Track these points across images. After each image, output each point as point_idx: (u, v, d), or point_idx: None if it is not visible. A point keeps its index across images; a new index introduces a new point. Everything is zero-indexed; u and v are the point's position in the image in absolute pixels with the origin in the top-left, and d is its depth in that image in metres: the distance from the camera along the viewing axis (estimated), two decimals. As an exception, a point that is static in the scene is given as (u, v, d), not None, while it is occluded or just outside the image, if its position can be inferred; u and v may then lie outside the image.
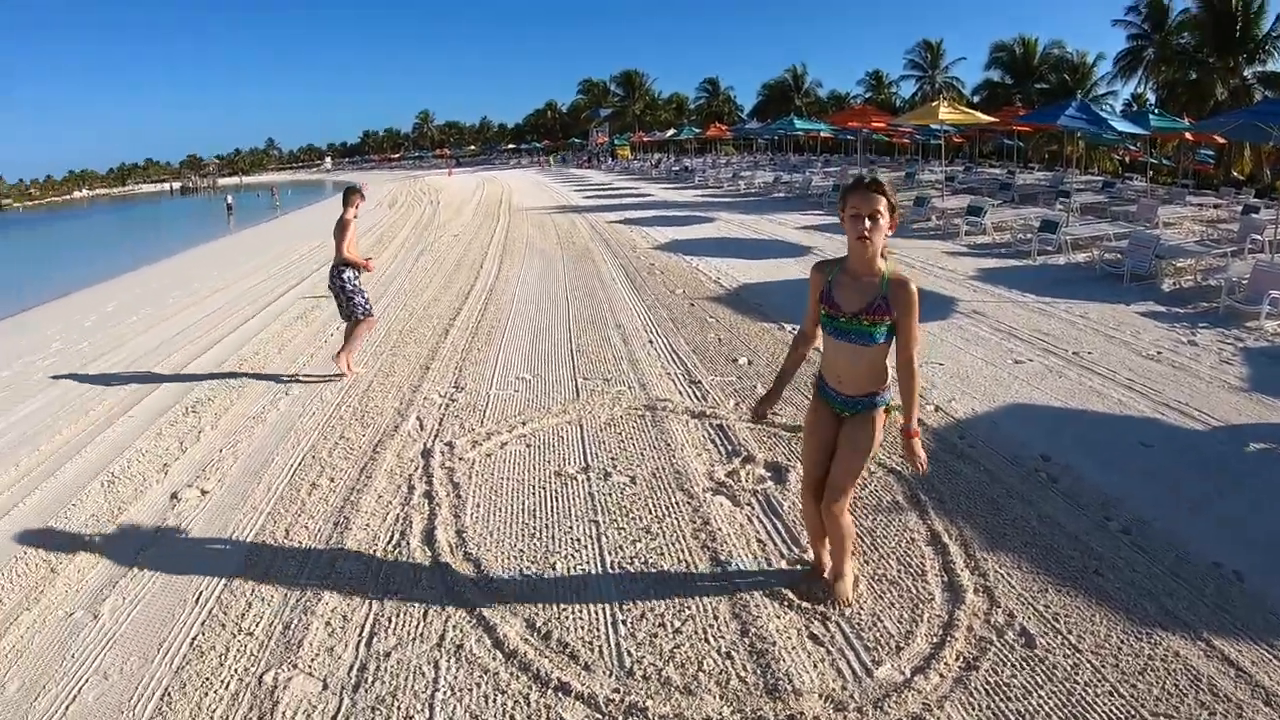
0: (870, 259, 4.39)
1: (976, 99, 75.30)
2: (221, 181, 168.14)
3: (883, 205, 4.26)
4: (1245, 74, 50.35)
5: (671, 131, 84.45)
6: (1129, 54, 59.68)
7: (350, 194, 10.46)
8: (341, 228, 10.33)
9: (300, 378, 10.62)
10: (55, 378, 11.59)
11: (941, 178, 32.60)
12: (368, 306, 10.55)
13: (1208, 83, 49.56)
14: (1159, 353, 10.52)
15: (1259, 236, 17.96)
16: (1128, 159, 50.34)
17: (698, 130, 76.91)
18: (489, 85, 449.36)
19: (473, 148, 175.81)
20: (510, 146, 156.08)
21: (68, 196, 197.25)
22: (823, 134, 53.82)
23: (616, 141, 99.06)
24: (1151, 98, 57.94)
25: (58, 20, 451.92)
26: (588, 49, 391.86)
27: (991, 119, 31.54)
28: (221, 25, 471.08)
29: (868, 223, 4.27)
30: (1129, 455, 7.38)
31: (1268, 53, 50.39)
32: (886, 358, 4.54)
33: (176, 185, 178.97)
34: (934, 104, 31.75)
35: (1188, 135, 33.76)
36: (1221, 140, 36.28)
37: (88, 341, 14.19)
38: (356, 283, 10.47)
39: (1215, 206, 27.94)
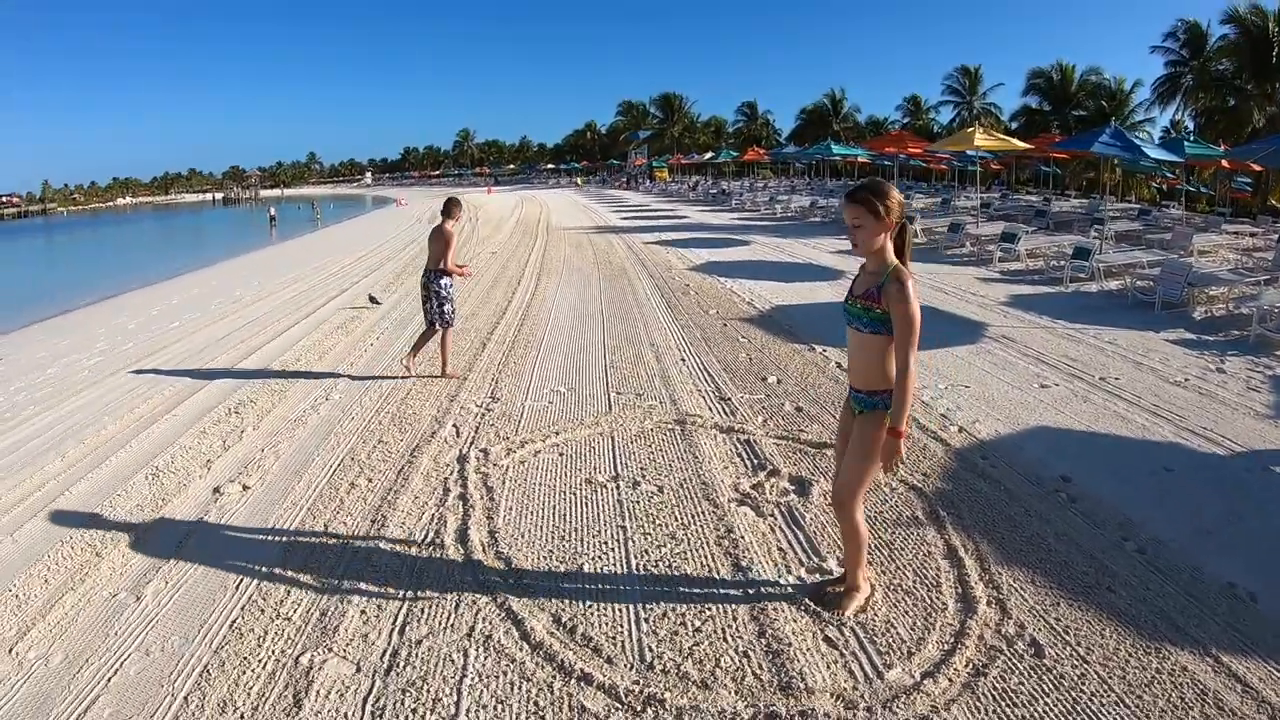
0: (868, 256, 4.72)
1: (1014, 125, 75.09)
2: (263, 193, 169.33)
3: (862, 212, 4.59)
4: (1282, 100, 50.03)
5: (709, 154, 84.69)
6: (1167, 80, 59.31)
7: (451, 205, 10.91)
8: (442, 237, 10.73)
9: (401, 376, 11.09)
10: (101, 377, 11.92)
11: (977, 204, 32.62)
12: (452, 316, 10.97)
13: (1245, 109, 49.22)
14: (1186, 379, 10.56)
15: (1293, 264, 17.93)
16: (1165, 186, 50.04)
17: (735, 154, 77.04)
18: (529, 105, 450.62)
19: (511, 167, 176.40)
20: (549, 166, 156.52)
21: (111, 203, 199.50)
22: (860, 159, 53.90)
23: (654, 164, 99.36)
24: (1190, 124, 57.66)
25: (100, 26, 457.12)
26: (628, 71, 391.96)
27: (1026, 146, 31.62)
28: (266, 38, 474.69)
29: (853, 228, 4.65)
30: (1150, 478, 7.46)
31: (1304, 78, 50.13)
32: (887, 357, 4.69)
33: (219, 195, 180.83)
34: (969, 130, 31.86)
35: (1224, 163, 33.63)
36: (1258, 168, 36.12)
37: (132, 343, 14.56)
38: (450, 290, 10.85)
39: (1252, 235, 27.77)
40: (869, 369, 4.78)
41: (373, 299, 17.46)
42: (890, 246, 4.67)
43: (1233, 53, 51.66)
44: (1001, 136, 32.90)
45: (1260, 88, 49.55)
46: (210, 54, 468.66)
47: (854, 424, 4.99)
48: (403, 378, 10.91)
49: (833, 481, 5.36)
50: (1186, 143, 30.06)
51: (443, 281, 10.77)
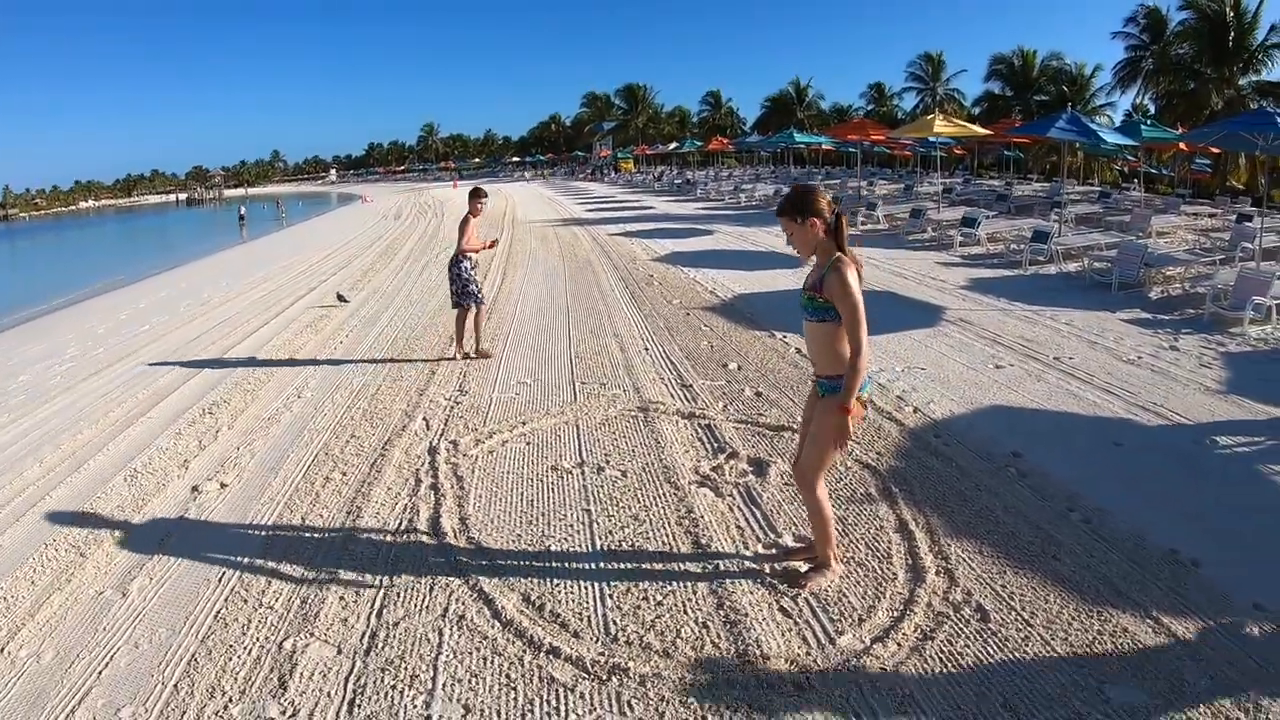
0: (808, 256, 5.10)
1: (977, 111, 75.49)
2: (227, 193, 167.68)
3: (787, 222, 5.03)
4: (1241, 84, 50.64)
5: (674, 145, 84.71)
6: (1128, 65, 59.85)
7: (475, 195, 11.68)
8: (463, 224, 11.50)
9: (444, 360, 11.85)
10: (74, 382, 12.06)
11: (939, 190, 32.93)
12: (480, 295, 11.74)
13: (1203, 93, 49.81)
14: (1139, 357, 10.88)
15: (1249, 245, 18.16)
16: (1127, 169, 50.56)
17: (700, 143, 77.17)
18: (494, 98, 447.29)
19: (477, 160, 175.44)
20: (515, 159, 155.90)
21: (73, 207, 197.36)
22: (824, 147, 54.19)
23: (619, 155, 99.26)
24: (1151, 108, 58.20)
25: (60, 29, 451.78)
26: (592, 62, 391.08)
27: (985, 131, 31.96)
28: (226, 36, 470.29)
29: (787, 238, 5.11)
30: (1099, 453, 7.76)
31: (1262, 62, 50.76)
32: (838, 342, 4.93)
33: (183, 196, 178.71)
34: (929, 117, 32.15)
35: (1181, 145, 34.07)
36: (1216, 150, 36.61)
37: (103, 348, 14.63)
38: (472, 273, 11.61)
39: (1211, 215, 28.21)
40: (823, 355, 5.04)
41: (340, 297, 17.59)
42: (827, 241, 4.96)
43: (1192, 37, 52.25)
44: (961, 122, 33.14)
45: (1218, 71, 50.18)
46: (171, 53, 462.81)
47: (816, 407, 5.24)
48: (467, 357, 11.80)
49: (793, 463, 5.64)
50: (1143, 126, 30.48)
51: (464, 265, 11.59)
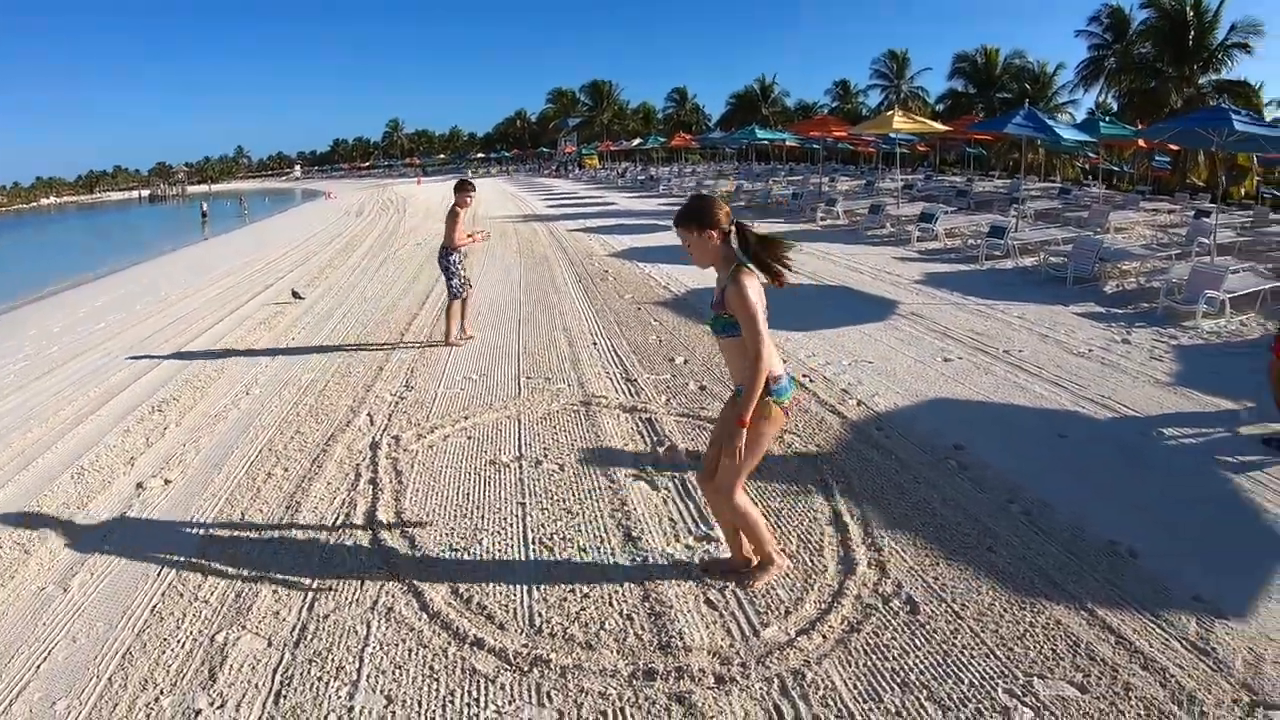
0: (704, 266, 5.08)
1: (940, 108, 76.02)
2: (191, 189, 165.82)
3: (684, 233, 5.01)
4: (1201, 82, 51.18)
5: (638, 141, 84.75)
6: (1090, 63, 60.44)
7: (461, 188, 12.21)
8: (451, 216, 11.91)
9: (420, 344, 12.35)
10: (26, 381, 11.98)
11: (899, 186, 33.12)
12: (460, 287, 12.06)
13: (1163, 91, 50.33)
14: (1090, 350, 11.02)
15: (1205, 240, 18.39)
16: (1088, 166, 51.02)
17: (664, 139, 77.19)
18: (459, 95, 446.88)
19: (442, 157, 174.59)
20: (480, 156, 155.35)
21: (35, 204, 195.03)
22: (788, 143, 54.32)
23: (584, 150, 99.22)
24: (1115, 106, 58.69)
25: (18, 28, 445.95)
26: (559, 59, 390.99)
27: (944, 128, 32.18)
28: (190, 31, 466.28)
29: (686, 249, 5.09)
30: (1043, 445, 7.86)
31: (1221, 61, 51.34)
32: (746, 355, 4.87)
33: (145, 193, 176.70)
34: (889, 113, 32.32)
35: (1140, 142, 34.39)
36: (1175, 147, 37.01)
37: (57, 346, 14.51)
38: (459, 266, 11.93)
39: (1169, 212, 28.55)
40: (737, 368, 5.03)
41: (295, 294, 17.52)
42: (725, 250, 4.95)
43: (1153, 36, 52.77)
44: (920, 119, 33.43)
45: (1179, 70, 50.74)
46: (135, 50, 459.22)
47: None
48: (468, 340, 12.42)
49: (703, 475, 5.52)
50: (1102, 123, 30.77)
51: (452, 257, 11.93)
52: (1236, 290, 13.13)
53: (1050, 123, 24.88)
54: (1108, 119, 36.73)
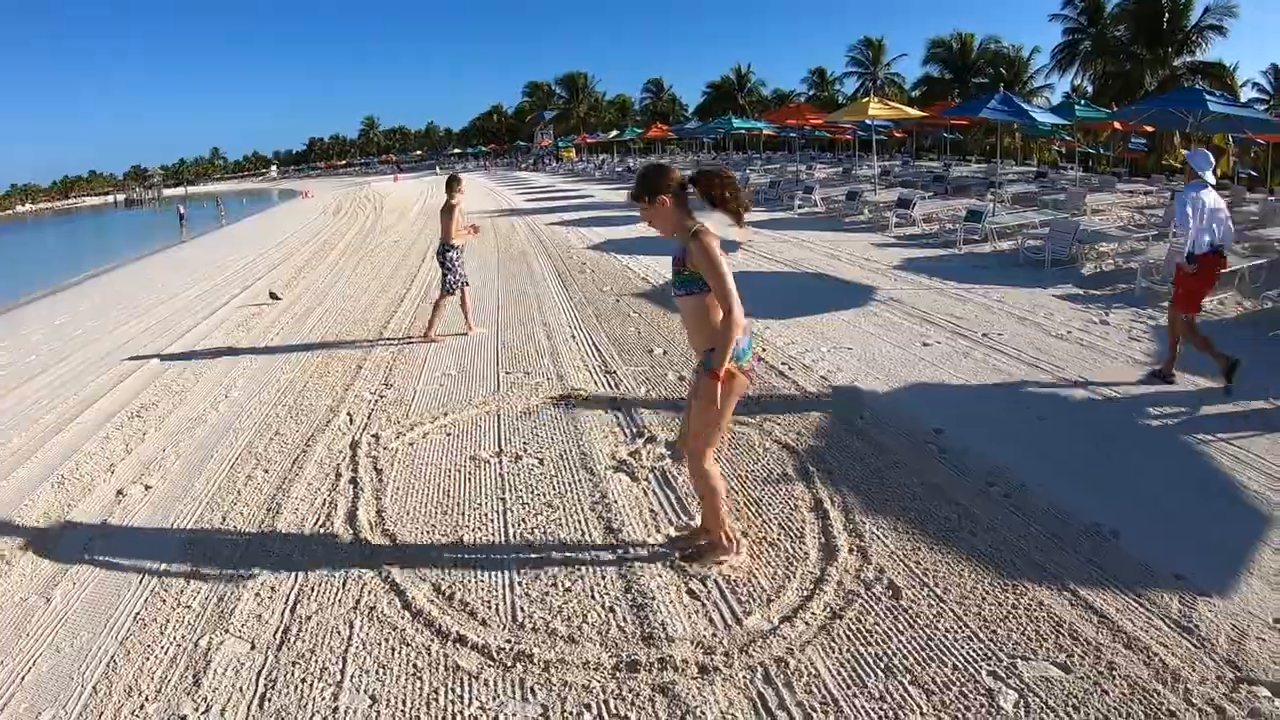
0: (669, 235, 5.12)
1: (916, 94, 76.28)
2: (166, 192, 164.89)
3: (636, 204, 5.08)
4: (1175, 64, 51.48)
5: (615, 133, 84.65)
6: (1065, 47, 60.80)
7: (452, 183, 12.28)
8: (447, 212, 11.94)
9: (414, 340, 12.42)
10: (5, 391, 11.89)
11: (876, 172, 33.17)
12: (454, 282, 12.17)
13: (1138, 74, 50.62)
14: (1069, 332, 11.08)
15: (1183, 220, 18.53)
16: (1065, 149, 51.26)
17: (640, 131, 77.16)
18: (435, 90, 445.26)
19: (419, 153, 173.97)
20: (456, 151, 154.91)
21: (10, 212, 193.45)
22: (765, 132, 54.37)
23: (560, 144, 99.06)
24: (1090, 89, 58.98)
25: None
26: (535, 52, 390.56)
27: (920, 113, 32.21)
28: (166, 32, 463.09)
29: (645, 221, 5.15)
30: (1022, 427, 7.88)
31: (1196, 44, 51.68)
32: (712, 313, 4.93)
33: (121, 197, 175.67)
34: (865, 100, 32.42)
35: (1115, 124, 34.52)
36: (1150, 128, 37.19)
37: (35, 355, 14.42)
38: (457, 262, 12.05)
39: (1145, 193, 28.65)
40: (697, 329, 5.06)
41: (273, 295, 17.47)
42: (680, 214, 5.02)
43: (1128, 19, 53.07)
44: (896, 105, 33.41)
45: (1153, 53, 51.06)
46: (106, 50, 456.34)
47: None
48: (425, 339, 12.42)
49: (678, 440, 5.75)
50: (1077, 106, 30.87)
51: (450, 254, 11.98)
52: (1215, 270, 13.12)
53: (1026, 107, 24.97)
54: (1083, 102, 36.86)
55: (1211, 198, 9.19)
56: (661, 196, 4.94)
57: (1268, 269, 13.97)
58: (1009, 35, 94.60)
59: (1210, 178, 9.37)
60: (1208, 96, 15.94)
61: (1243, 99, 45.56)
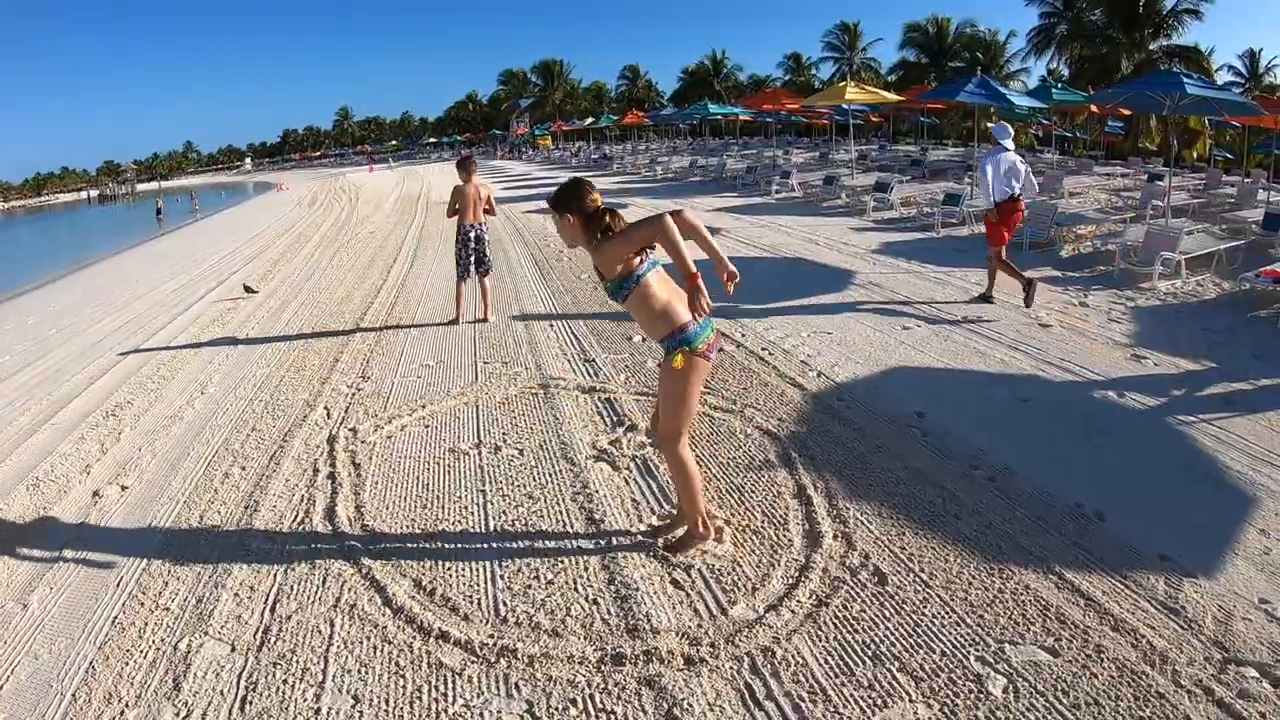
0: (571, 247, 5.37)
1: (892, 78, 76.49)
2: (140, 187, 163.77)
3: (552, 216, 5.26)
4: (1151, 48, 51.73)
5: (591, 120, 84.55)
6: (1041, 31, 61.04)
7: (462, 164, 12.56)
8: (457, 194, 12.25)
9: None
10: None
11: (853, 156, 33.21)
12: (466, 266, 12.59)
13: (1114, 57, 50.85)
14: (1048, 314, 11.15)
15: (1159, 202, 18.65)
16: (1041, 133, 51.47)
17: (615, 117, 77.07)
18: (409, 79, 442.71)
19: (394, 143, 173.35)
20: (432, 140, 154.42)
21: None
22: (742, 117, 54.35)
23: (537, 131, 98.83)
24: (1066, 73, 59.25)
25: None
26: (510, 40, 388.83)
27: (897, 97, 32.26)
28: (136, 26, 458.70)
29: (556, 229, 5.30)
30: (1004, 410, 7.91)
31: (1172, 27, 51.93)
32: (651, 302, 5.06)
33: (94, 193, 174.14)
34: (841, 85, 32.38)
35: (1092, 108, 34.67)
36: (1127, 111, 37.38)
37: (9, 356, 14.28)
38: (476, 244, 12.54)
39: (1123, 176, 28.88)
40: (648, 321, 5.12)
41: (248, 288, 17.33)
42: (585, 235, 5.20)
43: (1104, 2, 53.30)
44: (872, 89, 33.45)
45: (1129, 36, 51.31)
46: (76, 46, 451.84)
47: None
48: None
49: (652, 424, 5.73)
50: (1054, 90, 31.00)
51: (470, 235, 12.28)
52: (1192, 251, 13.30)
53: (1003, 90, 25.02)
54: (1060, 85, 36.96)
55: (1009, 159, 11.83)
56: (568, 215, 5.16)
57: (1245, 250, 14.06)
58: (985, 19, 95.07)
59: (1009, 144, 12.12)
60: (1185, 79, 15.97)
61: (1218, 82, 45.84)
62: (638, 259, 5.04)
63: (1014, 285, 11.72)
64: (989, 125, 14.44)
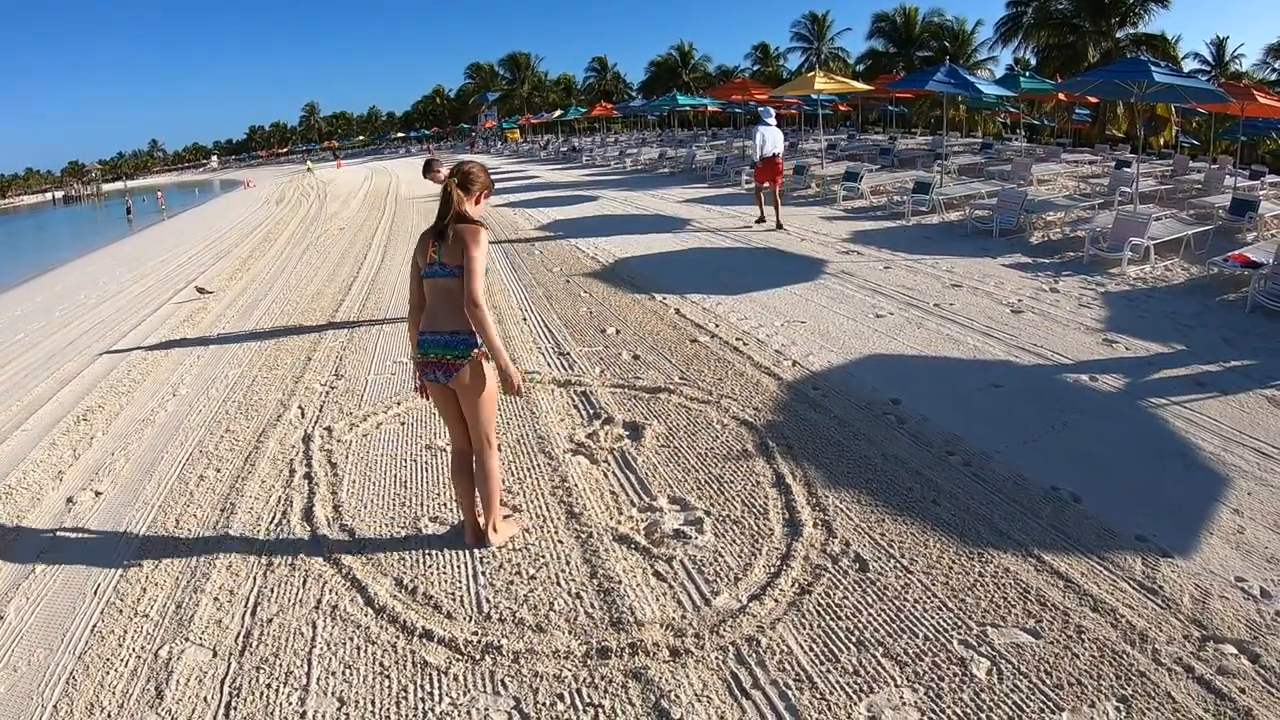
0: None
1: (861, 68, 76.65)
2: (106, 187, 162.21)
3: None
4: (1118, 36, 52.05)
5: (559, 112, 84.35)
6: (1009, 20, 61.33)
7: (430, 166, 11.90)
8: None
9: None
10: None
11: (823, 146, 33.23)
12: None
13: (1081, 46, 51.16)
14: (1020, 300, 11.20)
15: (1127, 189, 18.78)
16: (1009, 121, 51.74)
17: (583, 110, 76.91)
18: (376, 74, 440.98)
19: (361, 138, 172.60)
20: (399, 135, 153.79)
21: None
22: (710, 108, 54.36)
23: (505, 125, 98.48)
24: (1033, 61, 59.58)
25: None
26: (477, 32, 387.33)
27: (866, 87, 32.26)
28: (99, 23, 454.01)
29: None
30: (978, 396, 7.97)
31: (1139, 15, 52.28)
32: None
33: (59, 194, 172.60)
34: (810, 75, 32.37)
35: (1060, 96, 34.88)
36: (1094, 100, 37.62)
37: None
38: None
39: (1090, 163, 29.08)
40: (456, 314, 5.39)
41: (200, 289, 17.18)
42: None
43: (1071, -9, 53.68)
44: (841, 79, 33.44)
45: (1096, 25, 51.58)
46: (39, 46, 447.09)
47: None
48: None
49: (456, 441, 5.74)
50: (1022, 78, 31.14)
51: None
52: (1160, 237, 13.46)
53: (971, 79, 25.09)
54: (1027, 74, 37.11)
55: (772, 133, 18.27)
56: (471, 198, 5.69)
57: (1212, 235, 14.22)
58: (952, 8, 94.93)
59: (771, 120, 18.42)
60: (1153, 67, 16.04)
61: (1184, 70, 46.18)
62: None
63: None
64: (759, 109, 19.81)
